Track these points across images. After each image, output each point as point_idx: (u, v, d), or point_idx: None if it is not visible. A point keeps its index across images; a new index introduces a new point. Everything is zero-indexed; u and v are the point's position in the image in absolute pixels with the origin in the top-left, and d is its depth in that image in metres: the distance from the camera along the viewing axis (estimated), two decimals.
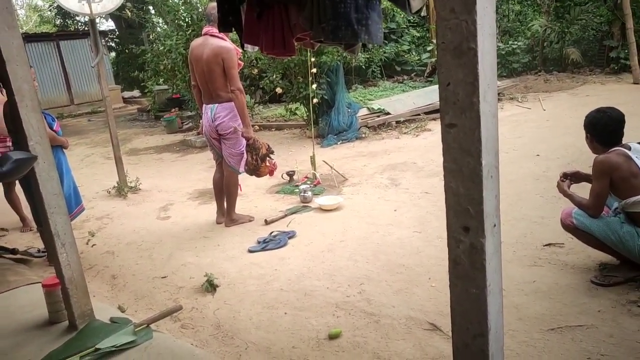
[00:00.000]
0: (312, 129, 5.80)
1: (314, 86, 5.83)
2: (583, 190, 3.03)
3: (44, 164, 2.42)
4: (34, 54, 14.60)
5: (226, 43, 3.98)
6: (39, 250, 4.23)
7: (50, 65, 14.85)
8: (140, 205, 5.43)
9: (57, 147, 3.84)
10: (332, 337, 2.65)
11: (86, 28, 17.55)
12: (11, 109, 2.96)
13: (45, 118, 3.80)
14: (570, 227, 2.86)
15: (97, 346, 2.42)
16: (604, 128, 2.80)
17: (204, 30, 4.11)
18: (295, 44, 2.47)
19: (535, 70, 12.15)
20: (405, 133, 7.56)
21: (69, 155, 9.03)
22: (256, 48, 2.59)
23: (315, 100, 6.07)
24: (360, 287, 3.15)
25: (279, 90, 7.27)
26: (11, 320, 2.80)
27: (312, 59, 5.47)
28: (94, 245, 4.35)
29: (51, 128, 3.85)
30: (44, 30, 20.43)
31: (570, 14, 11.75)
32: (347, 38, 1.73)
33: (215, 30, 4.03)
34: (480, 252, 1.02)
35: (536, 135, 6.68)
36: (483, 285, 1.03)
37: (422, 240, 3.78)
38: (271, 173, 4.47)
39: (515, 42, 12.04)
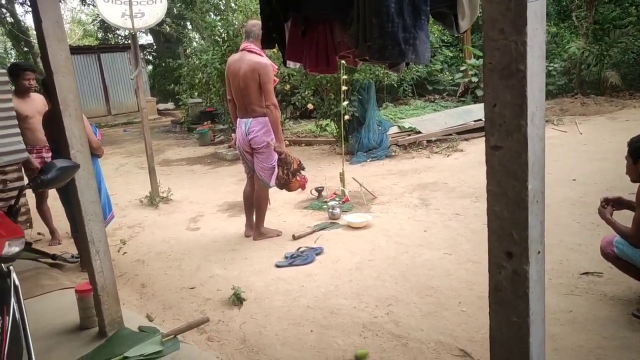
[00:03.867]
0: (343, 146, 5.79)
1: (345, 103, 5.84)
2: (623, 218, 2.91)
3: (83, 172, 2.48)
4: (76, 65, 15.17)
5: (263, 59, 4.04)
6: (72, 256, 4.32)
7: (90, 76, 15.41)
8: (171, 216, 5.51)
9: (95, 156, 3.94)
10: (359, 358, 2.60)
11: (126, 42, 18.17)
12: (55, 118, 3.08)
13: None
14: (610, 256, 2.75)
15: (125, 354, 2.45)
16: None
17: (242, 45, 4.18)
18: (338, 61, 2.47)
19: (572, 93, 11.89)
20: (436, 153, 7.48)
21: (105, 164, 9.29)
22: (298, 65, 2.61)
23: (346, 117, 6.08)
24: (388, 308, 3.10)
25: (310, 106, 7.33)
26: (44, 324, 2.86)
27: (345, 77, 5.49)
28: (125, 253, 4.42)
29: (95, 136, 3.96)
30: (86, 43, 21.25)
31: (609, 37, 11.51)
32: (394, 57, 1.70)
33: (252, 46, 4.10)
34: (524, 279, 0.98)
35: (572, 159, 6.50)
36: (525, 314, 0.99)
37: (453, 262, 3.69)
38: (303, 187, 4.48)
39: (551, 64, 11.84)
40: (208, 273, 3.86)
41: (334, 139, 8.16)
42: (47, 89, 3.73)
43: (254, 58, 4.03)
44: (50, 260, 4.20)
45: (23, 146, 4.16)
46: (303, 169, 4.43)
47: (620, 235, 2.72)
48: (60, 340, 2.67)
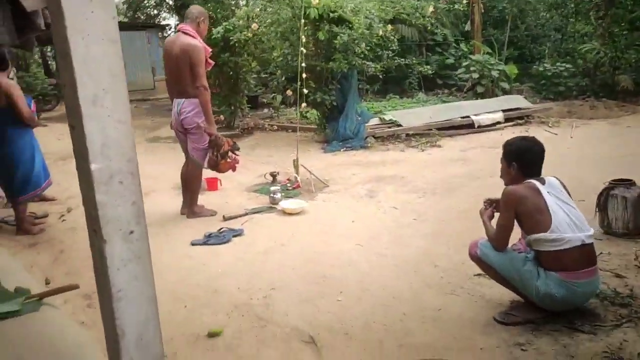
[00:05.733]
0: (298, 133, 5.81)
1: (305, 91, 5.85)
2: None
3: None
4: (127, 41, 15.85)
5: (195, 41, 4.10)
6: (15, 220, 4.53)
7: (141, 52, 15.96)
8: None
9: (29, 127, 4.11)
10: (211, 335, 2.66)
11: (148, 21, 18.61)
12: None
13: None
14: (474, 257, 2.70)
15: None
16: (532, 157, 2.65)
17: (178, 27, 4.25)
18: None
19: (584, 96, 11.43)
20: (412, 147, 7.38)
21: None
22: None
23: (303, 105, 6.09)
24: (269, 292, 3.14)
25: (289, 92, 7.34)
26: None
27: (303, 64, 5.49)
28: (64, 220, 4.61)
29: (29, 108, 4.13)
30: (121, 20, 21.83)
31: (627, 39, 10.97)
32: None
33: (187, 28, 4.16)
34: (102, 257, 1.02)
35: (546, 163, 6.29)
36: (109, 291, 1.02)
37: (360, 254, 3.69)
38: (234, 169, 4.55)
39: (563, 65, 11.38)
40: None
41: (315, 127, 8.17)
42: None
43: (185, 40, 4.09)
44: None
45: None
46: (237, 149, 4.48)
47: (487, 237, 2.67)
48: None
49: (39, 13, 1.60)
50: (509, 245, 2.68)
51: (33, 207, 4.80)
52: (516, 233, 2.75)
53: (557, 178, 2.64)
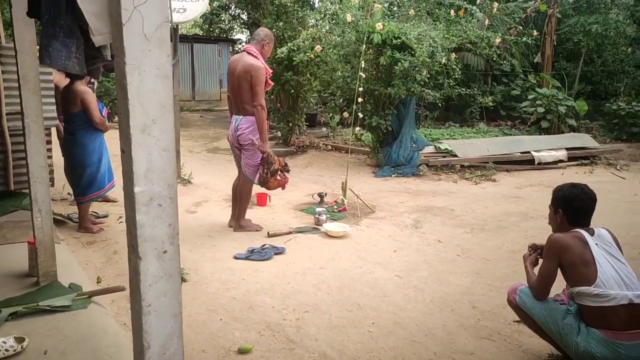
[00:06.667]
0: (349, 156, 5.85)
1: (361, 115, 5.88)
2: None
3: (35, 139, 2.87)
4: (199, 53, 16.74)
5: (257, 62, 4.28)
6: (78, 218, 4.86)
7: (181, 63, 16.71)
8: (181, 197, 5.89)
9: (100, 131, 4.42)
10: (241, 352, 2.73)
11: (220, 35, 19.44)
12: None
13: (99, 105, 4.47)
14: (512, 304, 2.61)
15: (39, 303, 2.80)
16: (579, 205, 2.54)
17: (243, 47, 4.45)
18: None
19: None
20: (466, 179, 7.23)
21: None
22: None
23: (357, 129, 6.13)
24: (303, 314, 3.18)
25: (346, 115, 7.43)
26: (5, 267, 3.33)
27: (360, 89, 5.56)
28: (121, 222, 4.88)
29: (101, 114, 4.46)
30: (196, 33, 23.02)
31: None
32: (40, 60, 2.08)
33: (252, 49, 4.36)
34: (136, 272, 1.10)
35: (607, 208, 5.94)
36: (140, 305, 1.10)
37: (397, 285, 3.66)
38: (283, 187, 4.65)
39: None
40: None
41: (369, 150, 8.19)
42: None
43: (248, 60, 4.28)
44: (59, 217, 4.79)
45: (55, 114, 4.78)
46: (287, 171, 4.59)
47: (528, 284, 2.58)
48: (4, 282, 3.09)
49: (106, 45, 1.78)
50: (551, 294, 2.58)
51: (95, 207, 5.14)
52: (561, 282, 2.64)
53: (608, 230, 2.50)
